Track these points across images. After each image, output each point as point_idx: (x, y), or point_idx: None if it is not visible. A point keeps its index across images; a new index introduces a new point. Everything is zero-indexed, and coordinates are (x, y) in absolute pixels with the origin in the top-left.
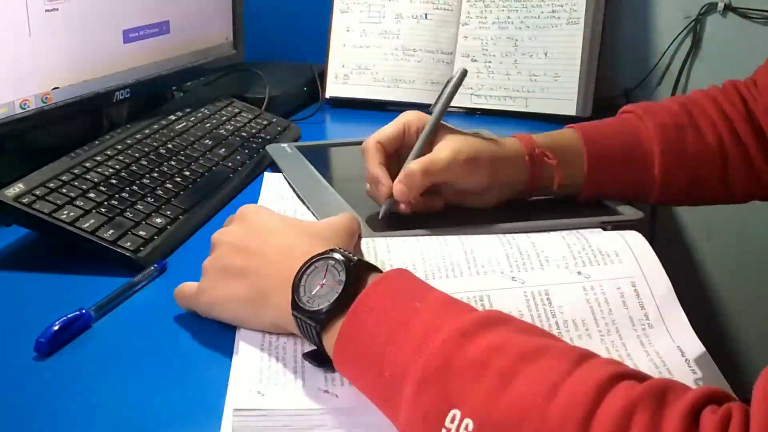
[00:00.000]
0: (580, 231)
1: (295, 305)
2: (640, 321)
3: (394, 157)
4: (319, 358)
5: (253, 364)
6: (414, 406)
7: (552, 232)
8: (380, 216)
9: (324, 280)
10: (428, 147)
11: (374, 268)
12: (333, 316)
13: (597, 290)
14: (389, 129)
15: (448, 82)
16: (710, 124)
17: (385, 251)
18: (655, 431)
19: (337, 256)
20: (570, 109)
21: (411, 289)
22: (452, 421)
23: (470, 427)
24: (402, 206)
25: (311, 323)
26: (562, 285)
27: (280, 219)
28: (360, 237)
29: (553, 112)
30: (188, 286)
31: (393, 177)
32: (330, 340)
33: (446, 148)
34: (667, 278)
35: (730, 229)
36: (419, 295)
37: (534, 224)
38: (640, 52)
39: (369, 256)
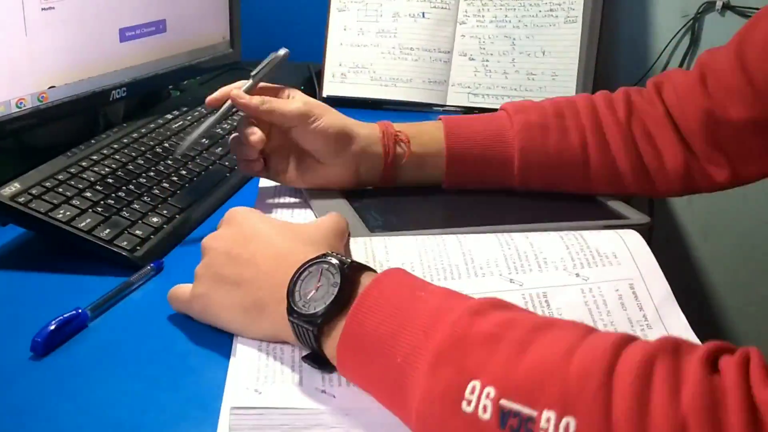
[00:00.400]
0: (579, 231)
1: (291, 310)
2: (639, 322)
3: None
4: (318, 360)
5: (251, 362)
6: (430, 383)
7: (550, 232)
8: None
9: (319, 284)
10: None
11: (368, 269)
12: (330, 318)
13: (595, 292)
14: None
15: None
16: (578, 127)
17: (383, 252)
18: (676, 376)
19: (331, 259)
20: None
21: (412, 283)
22: (472, 392)
23: (492, 394)
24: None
25: (308, 327)
26: (561, 287)
27: (269, 223)
28: (349, 236)
29: None
30: (182, 290)
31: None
32: (330, 342)
33: (298, 103)
34: (665, 280)
35: (728, 230)
36: (421, 287)
37: (536, 226)
38: (638, 50)
39: (366, 257)
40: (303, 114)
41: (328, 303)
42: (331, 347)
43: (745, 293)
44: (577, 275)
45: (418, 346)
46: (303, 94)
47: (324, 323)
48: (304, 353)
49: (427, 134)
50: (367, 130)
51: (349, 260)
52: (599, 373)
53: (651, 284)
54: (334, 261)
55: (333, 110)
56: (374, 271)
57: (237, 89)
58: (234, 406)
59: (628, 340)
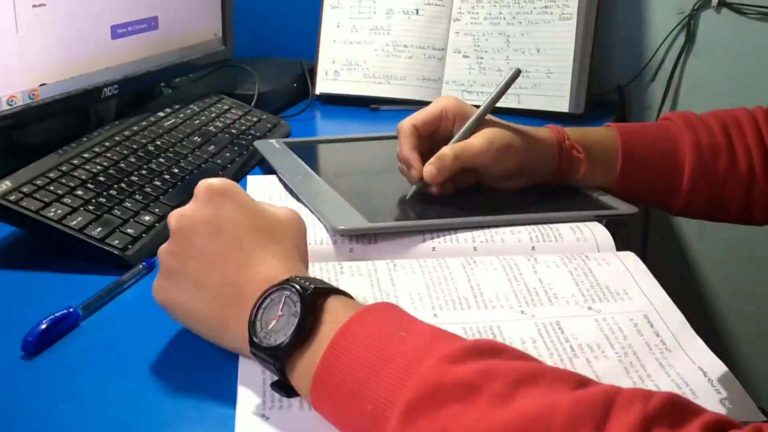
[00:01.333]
0: (586, 263)
1: (252, 342)
2: (657, 346)
3: (428, 141)
4: (286, 389)
5: (255, 385)
6: None
7: (557, 266)
8: (407, 197)
9: (281, 313)
10: (468, 136)
11: (334, 292)
12: (293, 350)
13: (609, 321)
14: (425, 113)
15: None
16: (745, 148)
17: (389, 283)
18: None
19: (294, 285)
20: (563, 105)
21: (397, 319)
22: None
23: None
24: (433, 188)
25: (271, 361)
26: (573, 317)
27: (242, 212)
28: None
29: (546, 109)
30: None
31: (426, 160)
32: (297, 375)
33: (480, 135)
34: (679, 311)
35: (723, 228)
36: (405, 325)
37: (530, 217)
38: (634, 48)
39: (372, 288)
40: (492, 152)
41: (289, 335)
42: (298, 379)
43: (741, 293)
44: (590, 308)
45: (390, 397)
46: (482, 131)
47: (287, 356)
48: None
49: (601, 148)
50: (540, 158)
51: (312, 286)
52: (590, 427)
53: (665, 315)
54: (297, 287)
55: (510, 132)
56: (341, 293)
57: (429, 169)
58: None
59: (622, 393)
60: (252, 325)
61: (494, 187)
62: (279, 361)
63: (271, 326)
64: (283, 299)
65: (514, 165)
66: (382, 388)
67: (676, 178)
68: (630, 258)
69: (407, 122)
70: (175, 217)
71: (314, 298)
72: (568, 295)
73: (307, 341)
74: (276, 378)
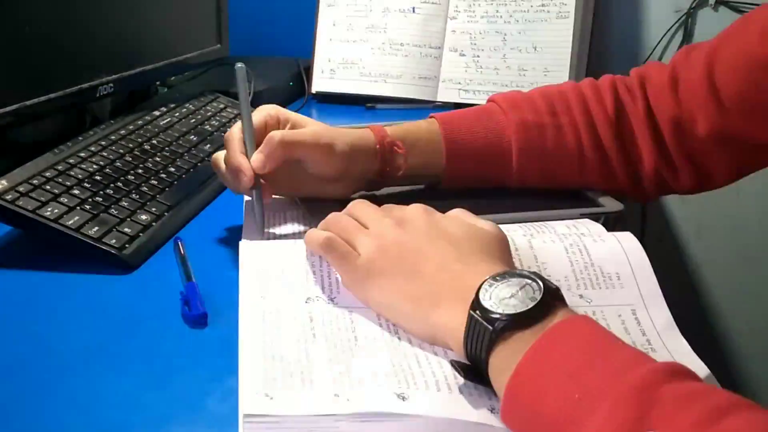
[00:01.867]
0: (582, 240)
1: (477, 305)
2: (643, 345)
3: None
4: (467, 370)
5: (257, 364)
6: (605, 423)
7: (553, 242)
8: (255, 212)
9: (517, 294)
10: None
11: (566, 304)
12: (515, 326)
13: (598, 315)
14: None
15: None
16: (572, 125)
17: None
18: None
19: (537, 279)
20: None
21: (612, 333)
22: None
23: None
24: (265, 199)
25: (488, 327)
26: None
27: (457, 226)
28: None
29: None
30: (341, 245)
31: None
32: (501, 353)
33: (308, 130)
34: (666, 305)
35: (721, 227)
36: (619, 338)
37: (515, 216)
38: (631, 46)
39: None
40: (319, 146)
41: (521, 311)
42: (500, 358)
43: (738, 291)
44: (581, 296)
45: (603, 388)
46: (297, 115)
47: (507, 329)
48: (453, 359)
49: (424, 141)
50: (363, 157)
51: (554, 286)
52: None
53: (652, 310)
54: (540, 282)
55: (332, 131)
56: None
57: (258, 157)
58: (247, 414)
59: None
60: (481, 290)
61: (323, 195)
62: (498, 330)
63: (502, 299)
64: (523, 284)
65: (338, 164)
66: (595, 383)
67: (504, 161)
68: (627, 237)
69: (235, 127)
70: (398, 212)
71: (553, 298)
72: (561, 277)
73: (530, 328)
74: (457, 360)
